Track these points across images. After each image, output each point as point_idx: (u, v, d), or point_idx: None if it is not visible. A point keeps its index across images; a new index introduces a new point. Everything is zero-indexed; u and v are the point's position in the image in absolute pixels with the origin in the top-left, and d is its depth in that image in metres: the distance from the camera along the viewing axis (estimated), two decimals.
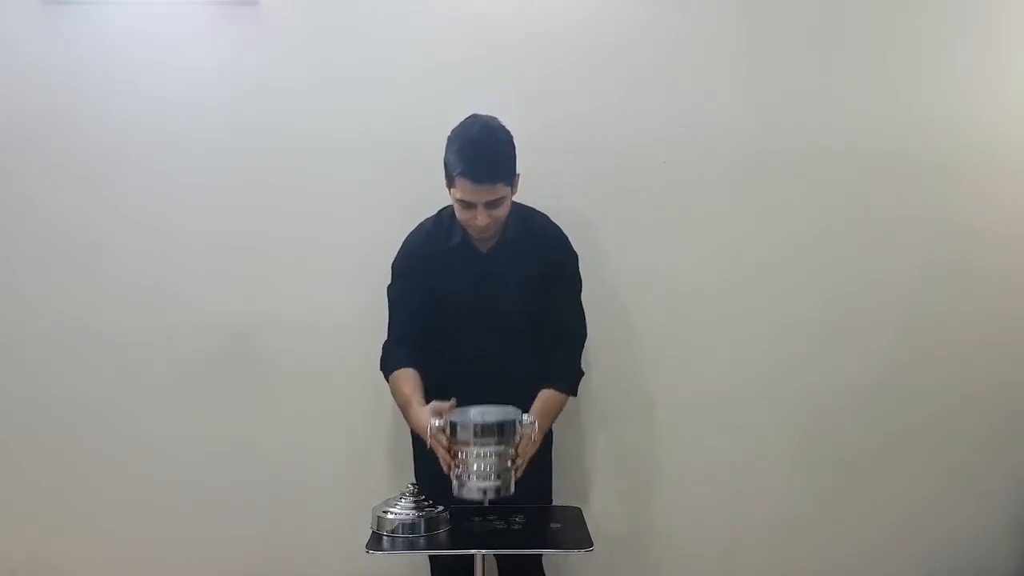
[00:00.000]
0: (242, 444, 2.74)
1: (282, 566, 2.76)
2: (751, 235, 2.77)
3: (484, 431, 1.97)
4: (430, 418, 2.06)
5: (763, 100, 2.75)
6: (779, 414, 2.80)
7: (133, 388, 2.72)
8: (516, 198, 2.29)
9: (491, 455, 1.98)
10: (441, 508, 2.07)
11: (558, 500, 2.46)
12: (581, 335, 2.38)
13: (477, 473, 1.98)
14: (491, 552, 2.02)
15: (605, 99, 2.72)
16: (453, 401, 2.09)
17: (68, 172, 2.68)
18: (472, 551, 1.99)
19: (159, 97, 2.67)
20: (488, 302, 2.30)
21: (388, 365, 2.32)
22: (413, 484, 2.10)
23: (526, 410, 2.13)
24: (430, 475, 2.14)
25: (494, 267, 2.31)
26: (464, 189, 2.15)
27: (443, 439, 2.03)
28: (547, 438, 2.44)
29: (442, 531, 2.04)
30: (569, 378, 2.32)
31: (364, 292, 2.60)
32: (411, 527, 2.04)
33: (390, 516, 2.05)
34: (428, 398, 2.17)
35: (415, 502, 2.07)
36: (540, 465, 2.39)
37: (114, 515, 2.74)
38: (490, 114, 2.25)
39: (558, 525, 2.19)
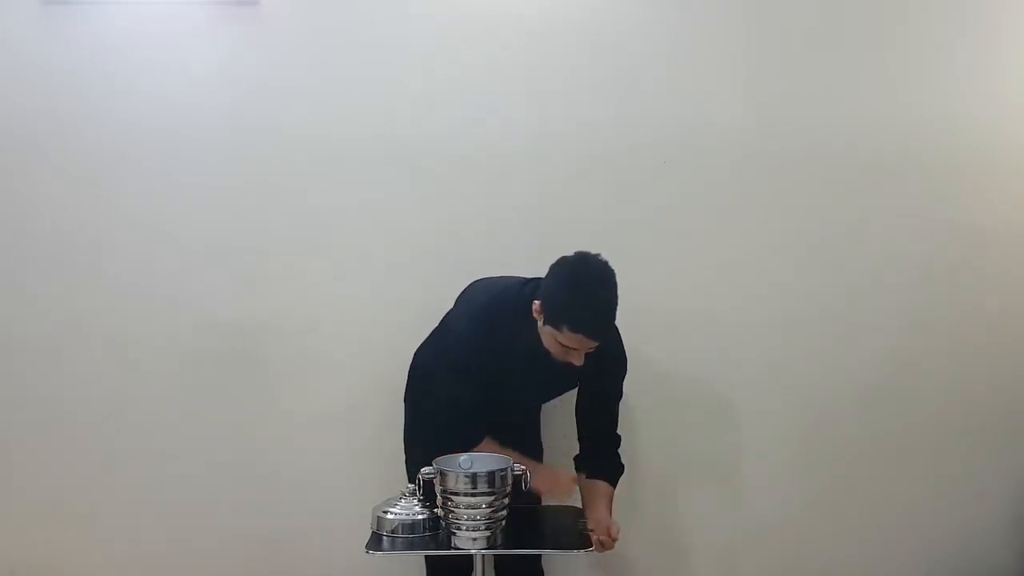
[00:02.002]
0: (242, 444, 2.73)
1: (282, 566, 2.76)
2: (751, 235, 2.77)
3: (475, 481, 1.94)
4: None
5: (763, 100, 2.75)
6: (779, 414, 2.80)
7: (133, 388, 2.71)
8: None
9: (482, 505, 1.95)
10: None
11: (558, 500, 2.46)
12: (619, 437, 2.37)
13: (468, 524, 1.96)
14: (491, 552, 2.01)
15: (605, 99, 2.72)
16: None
17: (68, 172, 2.68)
18: (472, 551, 1.99)
19: (159, 97, 2.67)
20: (534, 385, 2.30)
21: (466, 440, 2.16)
22: (413, 484, 2.10)
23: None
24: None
25: (556, 368, 2.19)
26: (575, 341, 2.05)
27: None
28: (539, 446, 2.50)
29: (442, 531, 2.04)
30: (618, 473, 2.32)
31: (364, 292, 2.60)
32: (411, 527, 2.04)
33: (390, 516, 2.05)
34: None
35: (415, 502, 2.07)
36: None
37: (114, 515, 2.74)
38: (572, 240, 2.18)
39: (558, 525, 2.19)
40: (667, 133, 2.73)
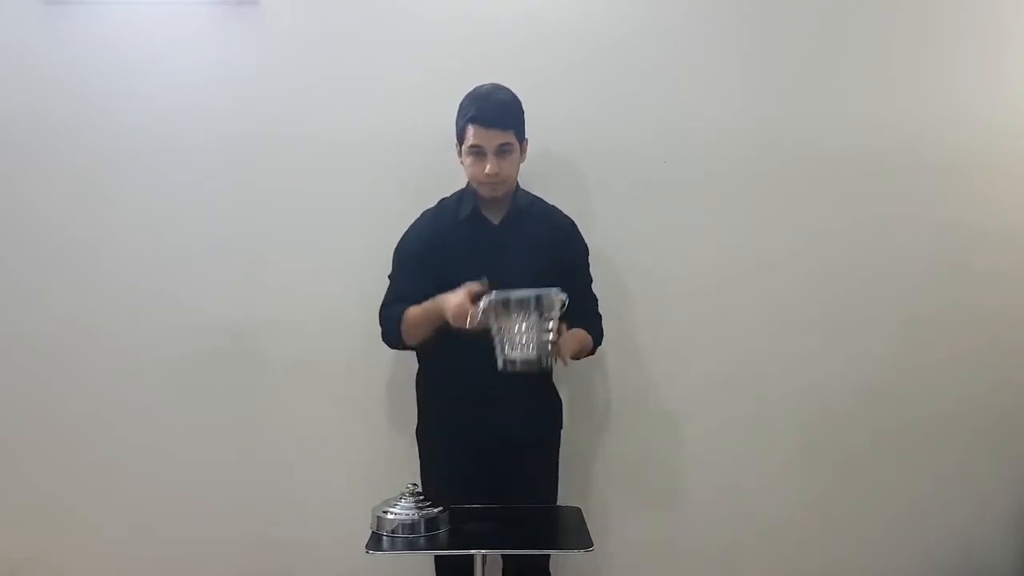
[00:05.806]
0: (242, 444, 2.73)
1: (282, 566, 2.76)
2: (751, 235, 2.77)
3: (522, 304, 2.00)
4: (463, 299, 2.11)
5: (763, 100, 2.75)
6: (779, 414, 2.80)
7: (133, 388, 2.71)
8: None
9: (531, 327, 2.01)
10: (441, 508, 2.07)
11: (558, 500, 2.46)
12: (598, 313, 2.48)
13: (518, 344, 2.02)
14: (491, 552, 2.01)
15: (605, 99, 2.72)
16: (485, 281, 2.11)
17: (68, 172, 2.68)
18: (472, 551, 1.99)
19: (159, 97, 2.67)
20: (498, 273, 2.26)
21: (391, 322, 2.34)
22: (413, 484, 2.10)
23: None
24: (433, 476, 2.23)
25: (505, 237, 2.34)
26: (475, 134, 2.25)
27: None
28: (555, 443, 2.47)
29: (442, 531, 2.04)
30: (597, 335, 2.43)
31: (364, 292, 2.59)
32: (411, 527, 2.04)
33: (390, 516, 2.05)
34: (433, 375, 2.40)
35: (415, 502, 2.07)
36: (547, 470, 2.41)
37: (114, 515, 2.74)
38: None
39: (558, 525, 2.18)
40: (667, 133, 2.73)
